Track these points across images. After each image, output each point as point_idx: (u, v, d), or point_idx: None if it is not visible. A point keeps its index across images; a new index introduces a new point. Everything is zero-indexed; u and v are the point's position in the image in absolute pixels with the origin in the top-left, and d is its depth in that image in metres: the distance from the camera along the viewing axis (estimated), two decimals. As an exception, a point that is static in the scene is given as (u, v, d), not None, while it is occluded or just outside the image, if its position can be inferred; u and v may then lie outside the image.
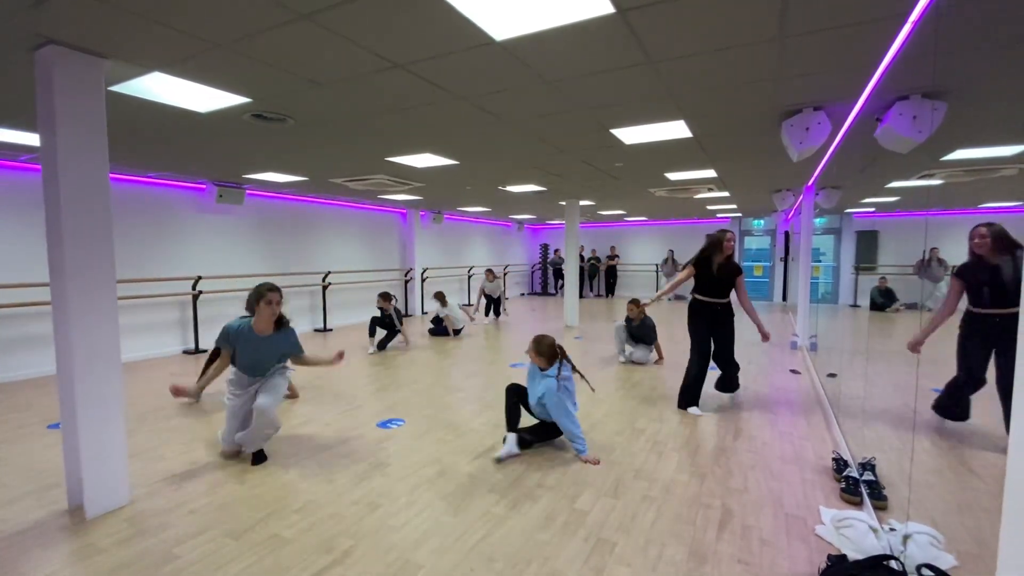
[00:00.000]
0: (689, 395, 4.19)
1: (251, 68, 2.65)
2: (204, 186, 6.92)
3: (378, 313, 6.85)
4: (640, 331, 6.03)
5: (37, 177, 5.34)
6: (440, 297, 7.89)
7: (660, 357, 6.11)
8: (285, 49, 2.42)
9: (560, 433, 3.32)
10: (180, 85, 2.90)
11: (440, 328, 7.90)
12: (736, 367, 4.33)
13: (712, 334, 4.17)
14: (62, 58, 2.35)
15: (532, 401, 3.38)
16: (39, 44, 2.34)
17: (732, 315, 4.21)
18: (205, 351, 6.80)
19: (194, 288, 6.78)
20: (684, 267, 4.31)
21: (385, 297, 6.76)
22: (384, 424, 3.84)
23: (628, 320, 6.08)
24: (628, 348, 6.09)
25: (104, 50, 2.43)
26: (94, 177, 2.47)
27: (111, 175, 5.99)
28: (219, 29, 2.22)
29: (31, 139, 4.11)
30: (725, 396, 4.51)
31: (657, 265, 14.52)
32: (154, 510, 2.57)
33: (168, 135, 4.07)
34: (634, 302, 5.93)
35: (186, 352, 6.73)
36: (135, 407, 4.26)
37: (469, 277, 13.24)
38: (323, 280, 8.81)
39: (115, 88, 2.91)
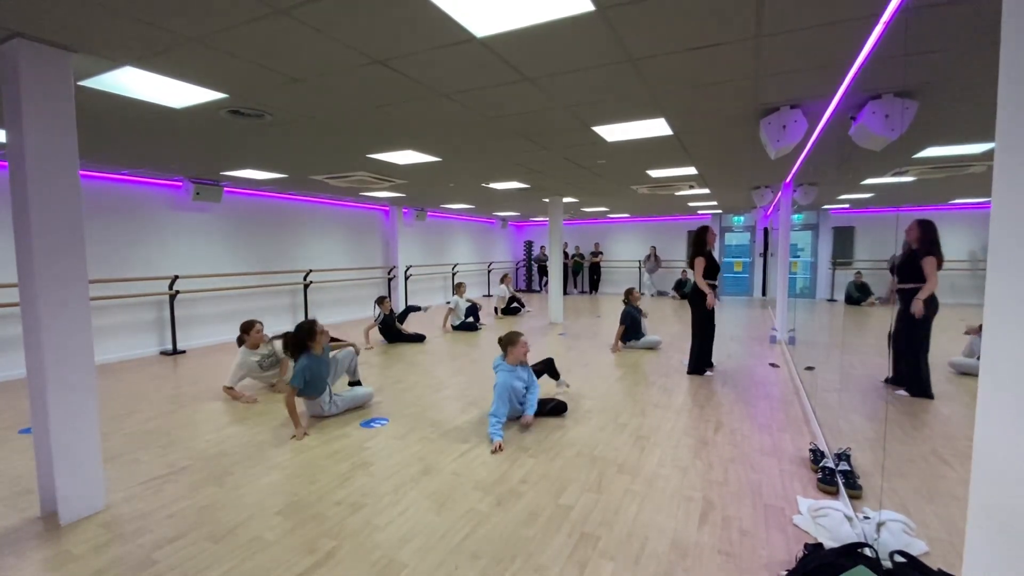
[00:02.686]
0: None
1: (227, 63, 2.60)
2: (180, 183, 6.77)
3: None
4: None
5: (4, 174, 5.17)
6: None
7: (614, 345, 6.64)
8: (262, 44, 2.38)
9: (547, 411, 3.90)
10: (153, 80, 2.83)
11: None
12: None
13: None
14: (28, 52, 2.28)
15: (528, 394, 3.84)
16: (4, 37, 2.26)
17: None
18: (183, 352, 6.68)
19: (171, 288, 6.64)
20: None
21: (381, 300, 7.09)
22: (367, 424, 3.82)
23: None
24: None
25: (72, 43, 2.36)
26: (63, 174, 2.40)
27: (83, 173, 5.80)
28: (193, 22, 2.17)
29: (-3, 135, 3.98)
30: (708, 387, 4.59)
31: (639, 261, 14.65)
32: (131, 515, 2.52)
33: (142, 131, 3.97)
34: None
35: (163, 353, 6.59)
36: (110, 410, 4.16)
37: (453, 274, 13.20)
38: (304, 279, 8.70)
39: (85, 83, 2.83)
